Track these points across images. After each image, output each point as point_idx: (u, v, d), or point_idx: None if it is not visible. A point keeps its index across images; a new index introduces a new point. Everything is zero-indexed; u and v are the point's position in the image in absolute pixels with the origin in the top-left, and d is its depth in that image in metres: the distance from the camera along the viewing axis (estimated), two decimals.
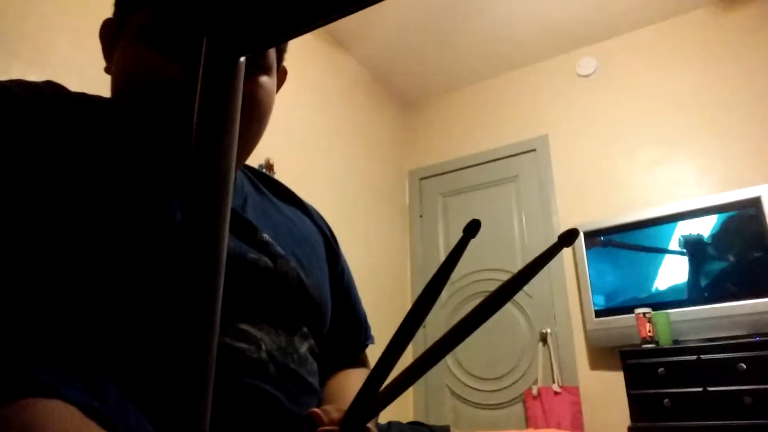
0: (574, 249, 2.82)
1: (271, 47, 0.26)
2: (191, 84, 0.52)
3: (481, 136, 3.45)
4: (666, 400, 2.18)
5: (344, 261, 0.79)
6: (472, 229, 0.38)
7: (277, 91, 0.65)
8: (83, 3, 1.63)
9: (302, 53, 2.77)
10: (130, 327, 0.47)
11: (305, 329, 0.62)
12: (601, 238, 2.73)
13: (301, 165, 2.67)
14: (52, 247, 0.46)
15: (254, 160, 2.07)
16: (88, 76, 0.58)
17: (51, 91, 0.55)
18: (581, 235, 2.77)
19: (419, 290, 3.44)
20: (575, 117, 3.13)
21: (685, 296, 2.47)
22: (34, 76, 1.54)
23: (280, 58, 0.65)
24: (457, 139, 3.55)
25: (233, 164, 0.22)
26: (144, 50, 0.54)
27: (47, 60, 1.58)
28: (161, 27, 0.54)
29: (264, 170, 0.82)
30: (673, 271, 2.54)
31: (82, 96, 0.58)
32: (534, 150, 3.22)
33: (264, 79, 0.59)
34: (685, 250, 2.53)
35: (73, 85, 0.59)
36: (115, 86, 0.57)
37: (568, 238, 0.33)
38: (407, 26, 3.04)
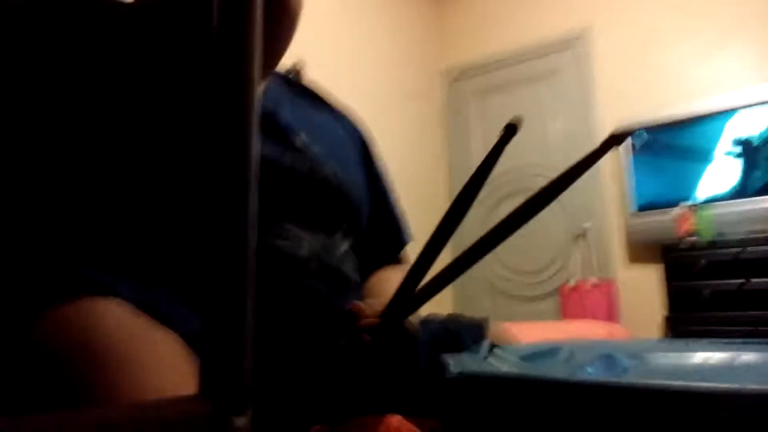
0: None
1: None
2: None
3: (517, 31, 3.27)
4: (706, 291, 2.20)
5: (379, 165, 0.79)
6: (511, 130, 0.37)
7: None
8: None
9: None
10: (173, 225, 0.49)
11: (345, 228, 0.63)
12: (646, 135, 2.63)
13: (329, 67, 2.60)
14: (91, 151, 0.47)
15: (281, 65, 2.03)
16: None
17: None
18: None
19: (456, 193, 3.46)
20: (619, 8, 2.91)
21: (729, 192, 2.40)
22: None
23: None
24: (493, 33, 3.37)
25: (259, 66, 0.21)
26: None
27: None
28: None
29: (292, 75, 0.80)
30: (721, 170, 2.45)
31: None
32: (574, 46, 3.04)
33: None
34: (736, 150, 2.42)
35: None
36: None
37: (618, 138, 0.31)
38: None
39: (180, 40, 0.55)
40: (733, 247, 2.19)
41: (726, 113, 2.43)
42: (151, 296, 0.41)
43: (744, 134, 2.39)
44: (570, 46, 3.07)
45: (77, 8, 0.53)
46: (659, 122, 2.60)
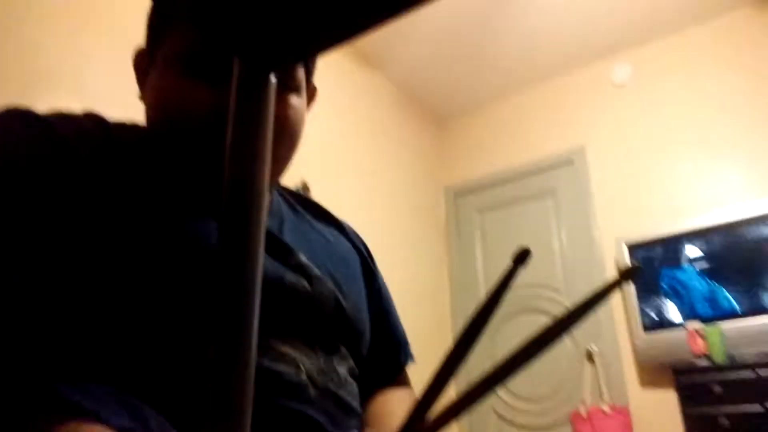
0: (617, 263, 2.74)
1: (302, 60, 0.25)
2: (221, 107, 0.52)
3: (516, 150, 3.41)
4: (723, 420, 2.08)
5: (381, 279, 0.78)
6: (522, 257, 0.36)
7: (309, 109, 0.65)
8: (123, 35, 1.69)
9: (332, 74, 2.80)
10: (168, 350, 0.47)
11: (344, 350, 0.61)
12: (645, 251, 2.64)
13: (337, 185, 2.68)
14: (89, 272, 0.47)
15: (289, 182, 2.09)
16: (128, 102, 0.61)
17: (91, 124, 0.57)
18: (624, 248, 2.69)
19: (458, 308, 3.42)
20: (612, 126, 3.07)
21: (738, 308, 2.36)
22: (76, 104, 1.59)
23: (308, 76, 0.64)
24: (493, 153, 3.52)
25: (266, 183, 0.22)
26: (173, 76, 0.55)
27: (87, 89, 1.64)
28: (189, 52, 0.54)
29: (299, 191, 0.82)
30: (724, 282, 2.43)
31: (121, 126, 0.60)
32: (571, 162, 3.16)
33: (294, 98, 0.59)
34: (736, 260, 2.42)
35: (115, 112, 0.61)
36: (149, 114, 0.58)
37: (628, 274, 0.31)
38: (435, 42, 3.04)
39: (189, 163, 0.56)
40: (748, 368, 2.11)
41: (724, 227, 2.46)
42: (141, 423, 0.39)
43: (743, 245, 2.40)
44: (566, 164, 3.18)
45: (108, 136, 0.56)
46: (660, 237, 2.62)
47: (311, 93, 0.67)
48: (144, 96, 0.60)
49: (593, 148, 3.09)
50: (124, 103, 0.62)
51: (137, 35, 0.62)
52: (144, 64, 0.60)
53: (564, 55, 3.18)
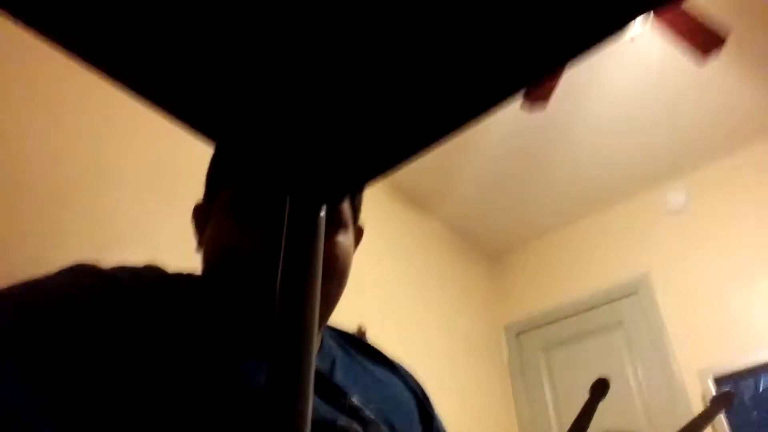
0: (704, 396, 2.49)
1: (351, 194, 0.26)
2: (269, 248, 0.55)
3: (575, 283, 3.31)
4: None
5: (440, 422, 0.73)
6: (600, 389, 0.33)
7: (355, 249, 0.67)
8: (191, 200, 1.83)
9: (385, 218, 2.89)
10: None
11: None
12: (734, 383, 2.40)
13: (394, 327, 2.64)
14: (141, 416, 0.46)
15: (347, 326, 2.07)
16: (196, 264, 0.66)
17: (150, 274, 0.60)
18: (711, 382, 2.45)
19: None
20: (675, 252, 2.96)
21: None
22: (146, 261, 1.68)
23: (355, 215, 0.66)
24: (551, 287, 3.43)
25: (316, 319, 0.21)
26: (229, 223, 0.58)
27: (158, 252, 1.74)
28: (245, 200, 0.58)
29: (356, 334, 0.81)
30: None
31: (178, 274, 0.63)
32: (636, 291, 3.02)
33: (340, 236, 0.61)
34: None
35: (174, 263, 0.64)
36: (205, 261, 0.61)
37: (723, 400, 0.27)
38: (485, 179, 3.14)
39: (240, 305, 0.58)
40: None
41: None
42: None
43: None
44: (631, 294, 3.04)
45: (167, 288, 0.59)
46: (747, 367, 2.38)
47: (358, 233, 0.69)
48: (201, 247, 0.64)
49: (658, 275, 2.97)
50: (191, 266, 0.68)
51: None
52: (202, 218, 0.65)
53: (614, 186, 3.20)
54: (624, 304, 3.06)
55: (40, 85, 1.62)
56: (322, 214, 0.23)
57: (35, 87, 1.61)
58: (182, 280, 0.62)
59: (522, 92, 0.19)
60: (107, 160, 1.74)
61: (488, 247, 3.71)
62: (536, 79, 0.19)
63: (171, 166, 1.89)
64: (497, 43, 0.18)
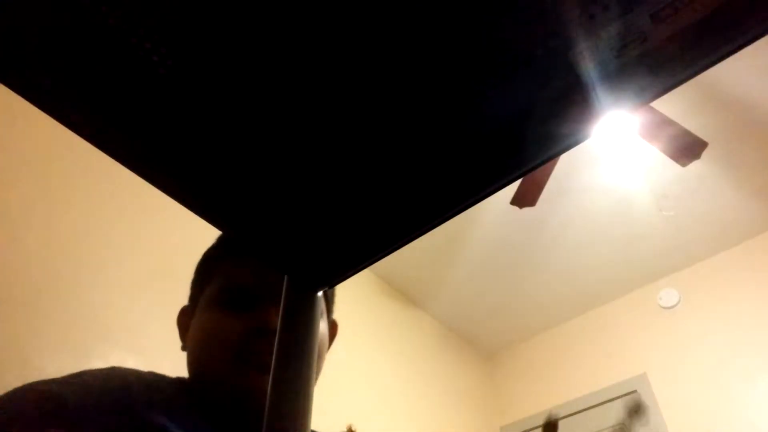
0: None
1: (346, 278, 0.28)
2: (248, 328, 0.60)
3: (572, 382, 3.23)
4: None
5: None
6: (551, 427, 0.33)
7: (330, 344, 0.69)
8: (178, 298, 1.82)
9: (376, 313, 2.86)
10: None
11: None
12: None
13: (386, 428, 2.53)
14: None
15: (336, 427, 1.99)
16: (180, 359, 0.68)
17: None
18: None
19: None
20: (671, 349, 2.92)
21: None
22: (131, 361, 1.64)
23: (328, 306, 0.71)
24: (547, 387, 3.33)
25: (311, 394, 0.22)
26: (215, 312, 0.63)
27: (144, 348, 1.71)
28: (228, 291, 0.64)
29: None
30: None
31: (162, 377, 0.64)
32: (635, 391, 2.94)
33: (321, 323, 0.63)
34: None
35: (168, 367, 0.65)
36: (191, 353, 0.65)
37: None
38: (478, 277, 3.14)
39: (221, 395, 0.60)
40: None
41: None
42: None
43: None
44: (629, 393, 2.96)
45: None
46: None
47: (333, 327, 0.71)
48: (186, 345, 0.67)
49: (656, 374, 2.91)
50: (177, 361, 0.70)
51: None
52: (186, 318, 0.69)
53: (607, 285, 3.22)
54: (623, 405, 2.96)
55: (25, 179, 1.66)
56: (320, 294, 0.24)
57: (20, 181, 1.65)
58: (165, 380, 0.64)
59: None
60: (91, 256, 1.74)
61: (483, 346, 3.64)
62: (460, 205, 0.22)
63: (157, 262, 1.90)
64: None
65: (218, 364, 0.60)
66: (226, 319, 0.62)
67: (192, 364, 0.63)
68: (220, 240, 0.72)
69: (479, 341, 3.60)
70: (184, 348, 0.67)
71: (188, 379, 0.63)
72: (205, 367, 0.61)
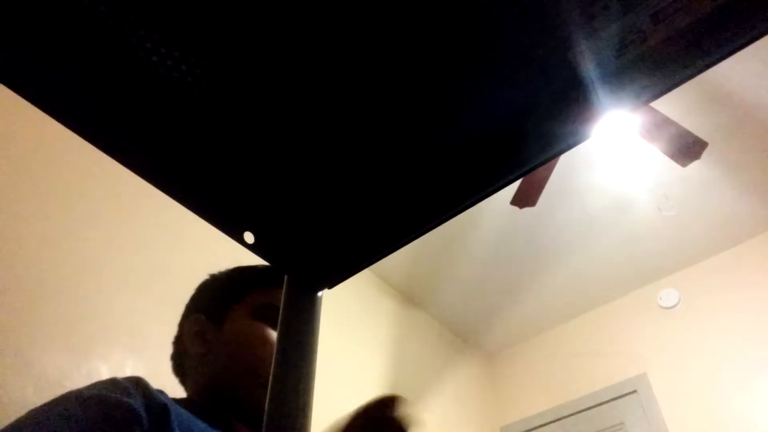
0: None
1: (346, 278, 0.28)
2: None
3: (572, 382, 3.23)
4: None
5: None
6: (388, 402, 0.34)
7: None
8: (178, 299, 1.82)
9: (376, 314, 2.86)
10: None
11: None
12: None
13: None
14: None
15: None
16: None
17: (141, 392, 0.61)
18: None
19: None
20: (672, 349, 2.93)
21: None
22: (132, 362, 1.64)
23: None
24: (548, 387, 3.33)
25: (312, 394, 0.22)
26: (257, 325, 0.66)
27: (144, 348, 1.71)
28: (270, 308, 0.67)
29: None
30: None
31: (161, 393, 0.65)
32: (635, 391, 2.94)
33: None
34: None
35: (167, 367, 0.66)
36: (219, 360, 0.66)
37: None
38: (479, 276, 3.14)
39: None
40: None
41: None
42: None
43: None
44: (630, 394, 2.96)
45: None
46: None
47: None
48: (206, 353, 0.67)
49: (656, 374, 2.91)
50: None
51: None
52: (208, 330, 0.71)
53: (607, 284, 3.22)
54: (623, 405, 2.96)
55: (25, 179, 1.66)
56: (320, 294, 0.24)
57: (20, 181, 1.65)
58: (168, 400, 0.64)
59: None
60: (91, 256, 1.75)
61: (483, 346, 3.64)
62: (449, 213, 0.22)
63: (158, 263, 1.90)
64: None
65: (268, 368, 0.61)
66: (271, 332, 0.65)
67: (231, 368, 0.65)
68: (257, 269, 0.74)
69: (479, 341, 3.60)
70: (204, 355, 0.68)
71: (207, 389, 0.65)
72: (253, 370, 0.63)
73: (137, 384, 0.61)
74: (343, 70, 0.20)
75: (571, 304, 3.35)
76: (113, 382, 0.59)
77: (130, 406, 0.54)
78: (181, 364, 0.74)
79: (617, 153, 2.57)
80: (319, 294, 0.25)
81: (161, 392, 0.63)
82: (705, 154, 2.20)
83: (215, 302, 0.73)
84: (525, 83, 0.22)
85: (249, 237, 0.30)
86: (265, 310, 0.66)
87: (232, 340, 0.66)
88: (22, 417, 0.52)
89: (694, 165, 2.28)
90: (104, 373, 1.59)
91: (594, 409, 3.06)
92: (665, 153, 2.18)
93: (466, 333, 3.52)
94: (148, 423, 0.53)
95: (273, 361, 0.23)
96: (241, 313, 0.67)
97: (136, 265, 1.84)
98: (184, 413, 0.57)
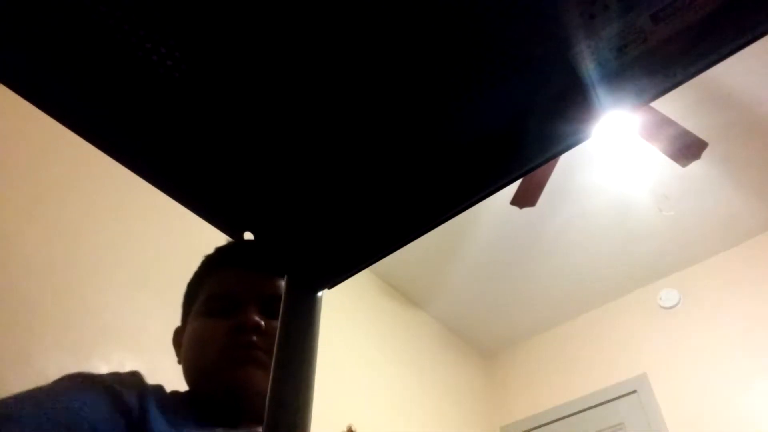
0: None
1: (346, 278, 0.28)
2: (230, 331, 0.67)
3: (571, 382, 3.23)
4: None
5: None
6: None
7: None
8: (176, 297, 1.82)
9: (375, 314, 2.86)
10: None
11: None
12: None
13: (385, 428, 2.53)
14: None
15: (336, 427, 1.99)
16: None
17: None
18: None
19: None
20: (671, 349, 2.93)
21: None
22: (131, 359, 1.64)
23: None
24: (548, 386, 3.33)
25: (312, 390, 0.22)
26: (200, 322, 0.69)
27: (143, 346, 1.71)
28: (211, 300, 0.70)
29: None
30: None
31: (157, 387, 0.68)
32: (635, 391, 2.94)
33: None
34: None
35: (167, 364, 0.67)
36: (184, 364, 0.70)
37: None
38: (478, 277, 3.14)
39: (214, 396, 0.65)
40: None
41: None
42: None
43: None
44: (630, 394, 2.96)
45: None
46: None
47: None
48: (180, 360, 0.72)
49: (656, 374, 2.91)
50: (176, 361, 0.76)
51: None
52: (179, 336, 0.75)
53: (607, 284, 3.22)
54: (623, 405, 2.96)
55: (24, 179, 1.66)
56: (320, 294, 0.24)
57: (19, 180, 1.65)
58: (162, 391, 0.68)
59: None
60: (91, 256, 1.75)
61: (483, 346, 3.64)
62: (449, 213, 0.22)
63: (158, 262, 1.90)
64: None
65: (209, 364, 0.65)
66: (212, 324, 0.68)
67: (187, 371, 0.69)
68: (201, 264, 0.78)
69: (479, 341, 3.60)
70: (179, 362, 0.73)
71: (188, 393, 0.68)
72: (198, 369, 0.67)
73: (133, 377, 0.66)
74: (344, 70, 0.20)
75: (571, 304, 3.35)
76: (115, 375, 0.65)
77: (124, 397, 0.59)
78: None
79: (617, 153, 2.57)
80: (319, 294, 0.25)
81: (160, 387, 0.65)
82: (705, 154, 2.20)
83: (182, 306, 0.77)
84: (525, 83, 0.22)
85: (249, 237, 0.30)
86: (210, 302, 0.70)
87: (185, 343, 0.70)
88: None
89: (694, 165, 2.28)
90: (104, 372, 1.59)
91: (594, 409, 3.06)
92: (665, 153, 2.18)
93: (466, 333, 3.52)
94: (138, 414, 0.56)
95: (273, 361, 0.23)
96: (196, 312, 0.71)
97: (136, 264, 1.85)
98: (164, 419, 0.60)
